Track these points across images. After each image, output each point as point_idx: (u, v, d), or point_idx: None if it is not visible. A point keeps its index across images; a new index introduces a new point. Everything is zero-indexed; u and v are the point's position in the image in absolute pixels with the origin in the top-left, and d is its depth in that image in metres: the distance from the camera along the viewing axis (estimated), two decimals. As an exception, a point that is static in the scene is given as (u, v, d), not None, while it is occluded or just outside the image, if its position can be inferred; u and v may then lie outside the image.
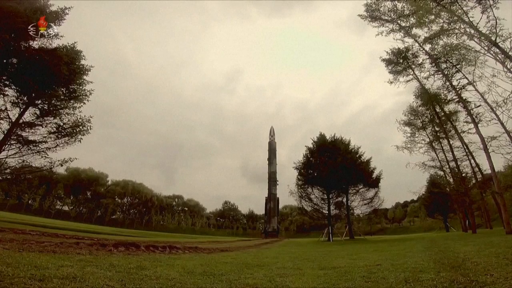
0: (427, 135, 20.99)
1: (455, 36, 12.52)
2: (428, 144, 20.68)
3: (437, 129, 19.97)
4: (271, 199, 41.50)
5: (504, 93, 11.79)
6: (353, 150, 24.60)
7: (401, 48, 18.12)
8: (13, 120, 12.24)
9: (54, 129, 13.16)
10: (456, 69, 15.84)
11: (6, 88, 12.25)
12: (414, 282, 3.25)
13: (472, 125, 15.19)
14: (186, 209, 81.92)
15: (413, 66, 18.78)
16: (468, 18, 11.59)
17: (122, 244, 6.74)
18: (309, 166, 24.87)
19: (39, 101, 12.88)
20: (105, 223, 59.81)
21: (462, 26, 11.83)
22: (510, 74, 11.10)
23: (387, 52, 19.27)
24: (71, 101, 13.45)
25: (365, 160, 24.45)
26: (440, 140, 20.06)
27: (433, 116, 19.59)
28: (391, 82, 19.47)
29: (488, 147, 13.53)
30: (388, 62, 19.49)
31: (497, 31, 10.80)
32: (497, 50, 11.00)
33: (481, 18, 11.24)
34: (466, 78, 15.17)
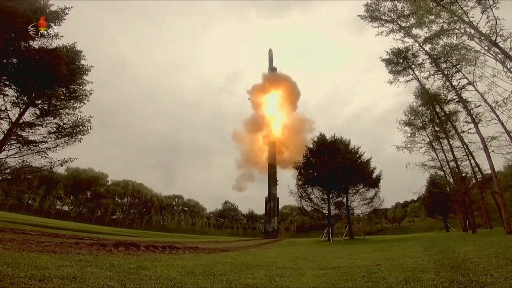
0: (427, 135, 20.99)
1: (455, 36, 12.52)
2: (428, 144, 20.68)
3: (437, 129, 19.98)
4: (271, 199, 41.49)
5: (504, 93, 11.80)
6: (353, 150, 24.56)
7: (401, 48, 18.12)
8: (13, 120, 12.24)
9: (54, 129, 13.15)
10: (456, 69, 15.83)
11: (6, 88, 12.25)
12: (414, 282, 3.25)
13: (472, 125, 15.20)
14: (186, 209, 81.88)
15: (413, 66, 18.77)
16: (468, 18, 11.59)
17: (122, 244, 6.75)
18: (309, 166, 24.87)
19: (39, 101, 12.87)
20: (105, 223, 59.77)
21: (462, 26, 11.84)
22: (510, 74, 11.10)
23: (387, 52, 19.28)
24: (71, 101, 13.44)
25: (365, 160, 24.43)
26: (440, 140, 20.06)
27: (433, 116, 19.58)
28: (391, 82, 19.46)
29: (488, 147, 13.53)
30: (388, 62, 19.47)
31: (497, 31, 10.81)
32: (497, 50, 11.00)
33: (481, 18, 11.25)
34: (466, 78, 15.17)
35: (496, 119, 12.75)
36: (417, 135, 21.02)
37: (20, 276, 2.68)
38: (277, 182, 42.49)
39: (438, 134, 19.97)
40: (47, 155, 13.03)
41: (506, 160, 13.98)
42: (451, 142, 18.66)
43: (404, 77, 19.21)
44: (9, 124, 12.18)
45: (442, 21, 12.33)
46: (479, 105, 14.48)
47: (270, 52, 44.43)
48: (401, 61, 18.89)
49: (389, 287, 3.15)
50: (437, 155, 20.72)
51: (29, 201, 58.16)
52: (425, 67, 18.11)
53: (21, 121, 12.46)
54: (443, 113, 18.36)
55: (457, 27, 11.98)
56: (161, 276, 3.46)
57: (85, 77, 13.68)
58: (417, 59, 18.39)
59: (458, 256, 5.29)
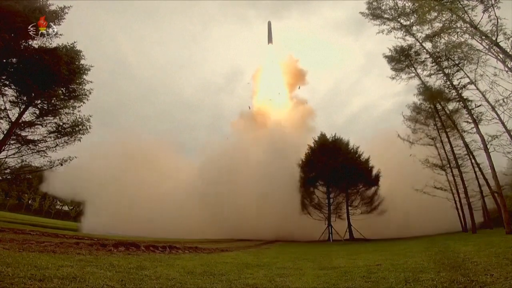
0: (428, 133, 20.99)
1: (456, 35, 12.50)
2: (430, 140, 20.69)
3: (438, 125, 19.99)
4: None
5: (505, 92, 11.78)
6: (352, 150, 24.81)
7: (404, 46, 18.16)
8: (13, 120, 12.24)
9: (54, 128, 13.17)
10: (458, 67, 15.81)
11: (6, 88, 12.25)
12: (414, 282, 3.25)
13: (473, 125, 15.18)
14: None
15: (416, 64, 18.82)
16: (469, 17, 11.57)
17: (122, 244, 6.76)
18: (310, 165, 24.92)
19: (39, 101, 12.87)
20: (105, 222, 59.71)
21: (463, 25, 11.81)
22: (510, 73, 11.08)
23: (389, 50, 19.37)
24: (71, 100, 13.45)
25: (364, 160, 24.65)
26: (441, 138, 20.07)
27: (434, 114, 19.60)
28: (393, 78, 19.69)
29: (488, 147, 13.53)
30: (390, 59, 19.57)
31: (498, 31, 10.80)
32: (498, 49, 10.98)
33: (482, 17, 11.23)
34: (468, 77, 15.14)
35: (497, 118, 12.75)
36: (419, 133, 21.04)
37: (20, 276, 2.68)
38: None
39: (439, 132, 19.97)
40: (46, 154, 13.06)
41: (509, 160, 13.98)
42: (451, 141, 18.65)
43: (406, 74, 19.35)
44: (8, 124, 12.18)
45: (445, 18, 12.29)
46: (480, 105, 14.47)
47: (269, 24, 43.21)
48: (403, 58, 18.95)
49: (389, 287, 3.15)
50: (438, 153, 20.74)
51: (29, 201, 58.18)
52: (427, 65, 18.17)
53: (20, 120, 12.46)
54: (444, 112, 18.38)
55: (458, 25, 11.96)
56: (161, 276, 3.46)
57: (84, 76, 13.67)
58: (419, 57, 18.43)
59: (458, 256, 5.30)
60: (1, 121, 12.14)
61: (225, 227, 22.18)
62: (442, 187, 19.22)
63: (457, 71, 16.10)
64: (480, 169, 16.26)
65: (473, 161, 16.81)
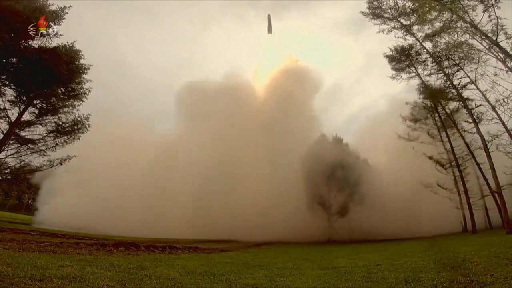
0: (428, 132, 21.00)
1: (456, 35, 12.49)
2: (430, 139, 20.70)
3: (438, 125, 20.01)
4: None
5: (506, 92, 11.78)
6: (351, 151, 25.14)
7: (404, 45, 18.19)
8: (13, 120, 12.23)
9: (53, 128, 13.16)
10: (458, 67, 15.82)
11: (6, 88, 12.24)
12: (414, 282, 3.25)
13: (473, 124, 15.19)
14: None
15: (416, 64, 18.84)
16: (470, 17, 11.56)
17: (122, 244, 6.76)
18: (311, 165, 25.01)
19: (38, 101, 12.86)
20: (105, 222, 59.70)
21: (463, 25, 11.81)
22: (511, 73, 11.07)
23: (390, 49, 19.39)
24: (70, 99, 13.43)
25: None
26: (441, 138, 20.08)
27: (434, 114, 19.62)
28: (394, 78, 19.75)
29: (488, 147, 13.53)
30: (391, 58, 19.60)
31: (498, 30, 10.79)
32: (498, 49, 10.98)
33: (482, 17, 11.22)
34: (468, 76, 15.15)
35: (497, 118, 12.76)
36: (418, 132, 21.06)
37: (20, 276, 2.68)
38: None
39: (439, 131, 19.99)
40: (46, 153, 13.05)
41: (509, 160, 13.95)
42: (451, 141, 18.65)
43: (407, 74, 19.39)
44: (8, 124, 12.17)
45: (445, 18, 12.27)
46: (480, 105, 14.48)
47: (269, 17, 44.02)
48: (403, 58, 18.97)
49: (389, 287, 3.15)
50: (440, 152, 20.76)
51: (29, 201, 58.18)
52: (428, 65, 18.20)
53: (20, 120, 12.46)
54: (444, 112, 18.40)
55: (459, 25, 11.94)
56: (161, 276, 3.46)
57: (84, 75, 13.65)
58: (420, 56, 18.45)
59: (458, 256, 5.30)
60: (1, 121, 12.14)
61: (224, 227, 22.16)
62: (443, 186, 19.21)
63: (458, 70, 16.10)
64: (480, 169, 16.24)
65: (473, 161, 16.81)
